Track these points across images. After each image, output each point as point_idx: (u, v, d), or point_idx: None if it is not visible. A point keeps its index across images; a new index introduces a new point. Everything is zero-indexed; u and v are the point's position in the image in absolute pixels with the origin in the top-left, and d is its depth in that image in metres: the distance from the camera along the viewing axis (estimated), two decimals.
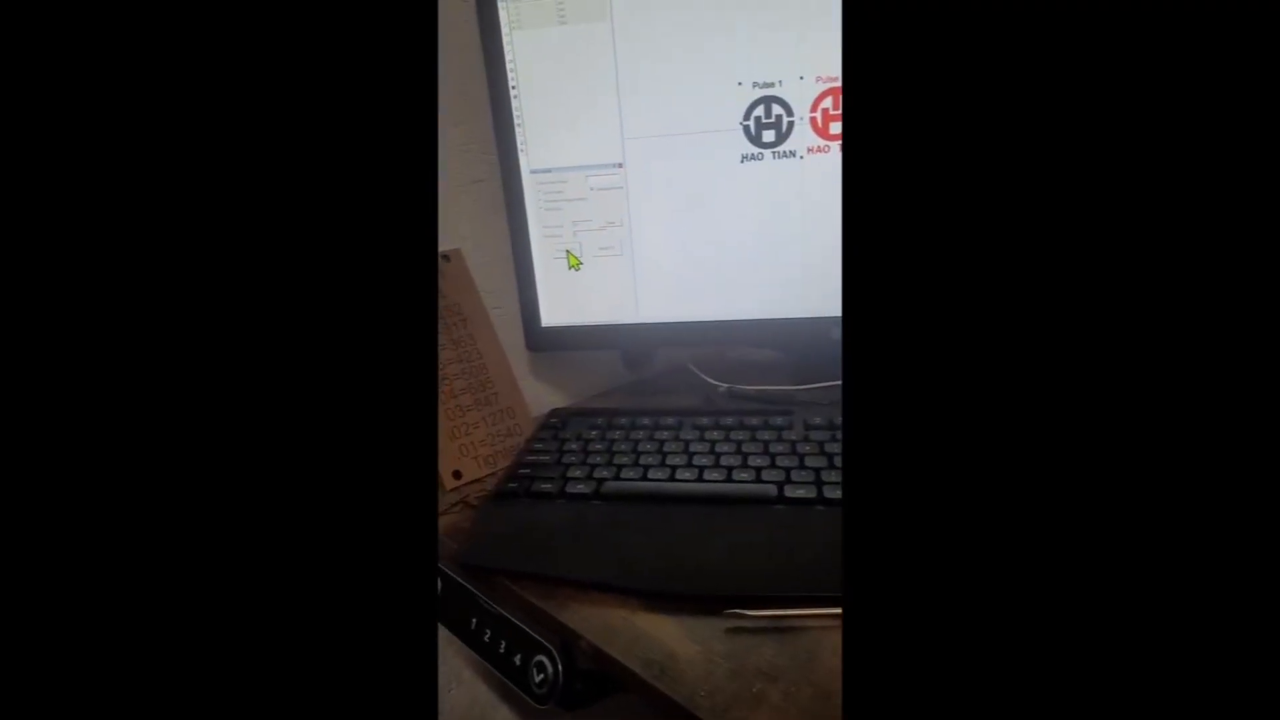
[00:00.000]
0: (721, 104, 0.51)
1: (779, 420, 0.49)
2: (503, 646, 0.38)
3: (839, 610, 0.33)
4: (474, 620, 0.39)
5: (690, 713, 0.29)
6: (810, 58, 0.50)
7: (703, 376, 0.63)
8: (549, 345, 0.60)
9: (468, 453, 0.51)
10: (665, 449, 0.47)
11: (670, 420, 0.50)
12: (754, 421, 0.49)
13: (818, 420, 0.49)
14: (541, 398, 0.62)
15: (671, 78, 0.51)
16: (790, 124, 0.51)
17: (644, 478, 0.44)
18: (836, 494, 0.40)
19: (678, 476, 0.44)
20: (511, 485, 0.45)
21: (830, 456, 0.44)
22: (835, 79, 0.50)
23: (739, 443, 0.47)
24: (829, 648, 0.32)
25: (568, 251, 0.57)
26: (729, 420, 0.49)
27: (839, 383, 0.58)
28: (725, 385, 0.61)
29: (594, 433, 0.51)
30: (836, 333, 0.55)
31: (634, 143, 0.53)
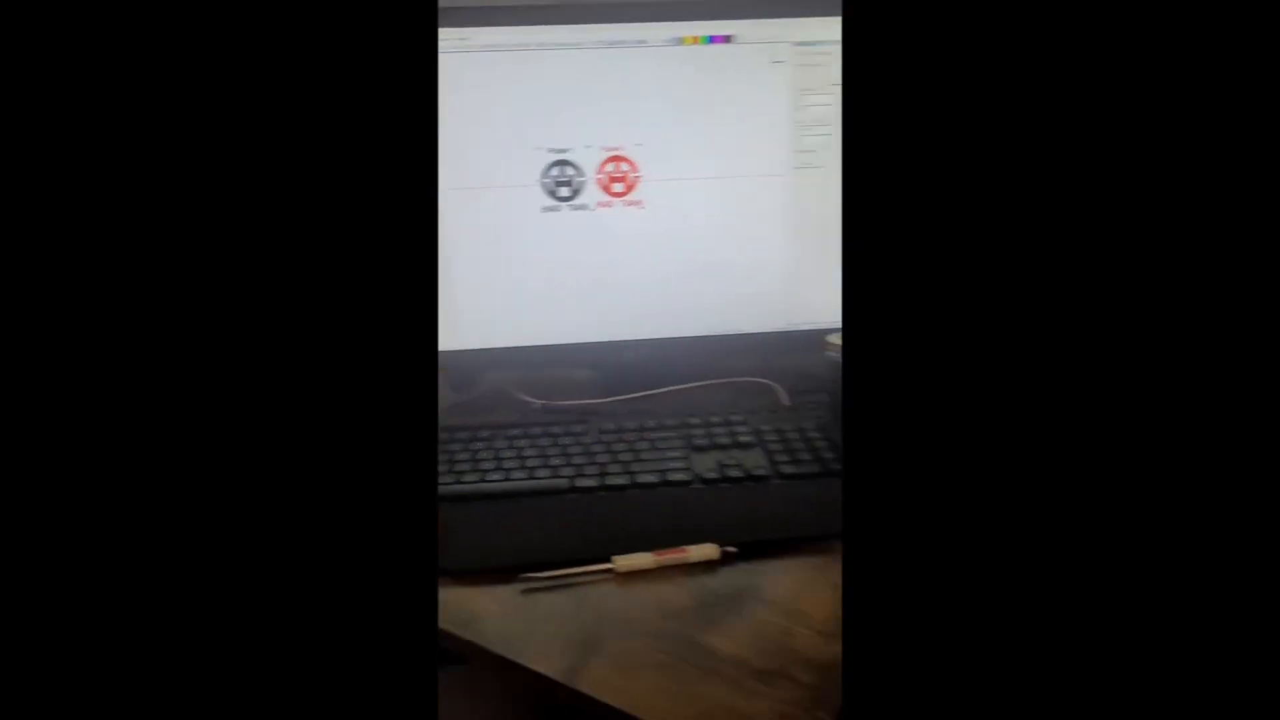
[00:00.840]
0: (524, 164, 0.61)
1: (577, 428, 0.59)
2: None
3: (607, 566, 0.43)
4: None
5: (487, 650, 0.38)
6: (595, 130, 0.61)
7: (520, 395, 0.72)
8: None
9: None
10: (479, 457, 0.55)
11: (485, 433, 0.59)
12: (556, 430, 0.58)
13: (609, 425, 0.59)
14: None
15: (481, 140, 0.61)
16: (581, 183, 0.62)
17: (458, 482, 0.52)
18: (617, 481, 0.51)
19: (488, 479, 0.52)
20: None
21: (615, 453, 0.54)
22: (615, 148, 0.61)
23: (542, 447, 0.56)
24: (596, 594, 0.42)
25: None
26: (536, 430, 0.59)
27: (637, 395, 0.69)
28: (540, 402, 0.70)
29: None
30: (628, 354, 0.66)
31: (450, 193, 0.61)
